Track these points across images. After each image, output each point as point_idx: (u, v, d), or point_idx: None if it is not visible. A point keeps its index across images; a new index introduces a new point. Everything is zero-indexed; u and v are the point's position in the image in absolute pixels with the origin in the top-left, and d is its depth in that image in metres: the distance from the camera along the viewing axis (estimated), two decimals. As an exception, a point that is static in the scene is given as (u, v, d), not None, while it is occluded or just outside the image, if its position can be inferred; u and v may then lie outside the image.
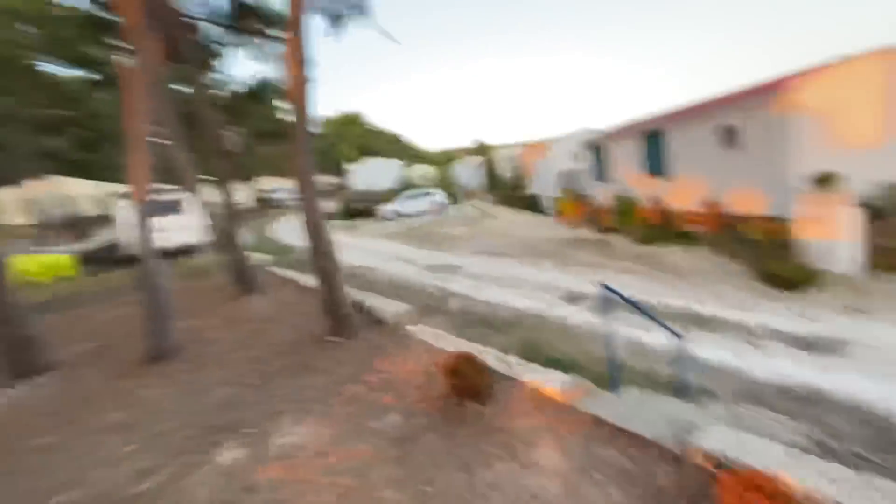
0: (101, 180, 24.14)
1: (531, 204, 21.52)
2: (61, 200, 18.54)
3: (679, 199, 12.37)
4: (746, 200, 10.12)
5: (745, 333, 5.66)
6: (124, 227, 12.58)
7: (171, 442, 3.25)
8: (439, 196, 25.56)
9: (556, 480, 2.38)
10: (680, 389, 3.89)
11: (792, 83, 8.92)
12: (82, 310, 8.27)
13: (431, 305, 7.71)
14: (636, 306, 3.51)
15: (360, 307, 5.53)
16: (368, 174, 34.36)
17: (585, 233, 14.42)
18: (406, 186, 29.66)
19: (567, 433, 2.77)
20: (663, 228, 11.78)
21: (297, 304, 6.92)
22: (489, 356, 3.75)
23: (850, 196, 7.40)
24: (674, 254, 10.27)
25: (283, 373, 4.24)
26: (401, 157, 41.36)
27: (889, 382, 4.12)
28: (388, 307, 5.37)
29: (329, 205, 25.87)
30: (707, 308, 6.77)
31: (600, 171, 16.64)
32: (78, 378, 4.81)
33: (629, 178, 14.71)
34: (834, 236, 7.35)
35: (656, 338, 5.64)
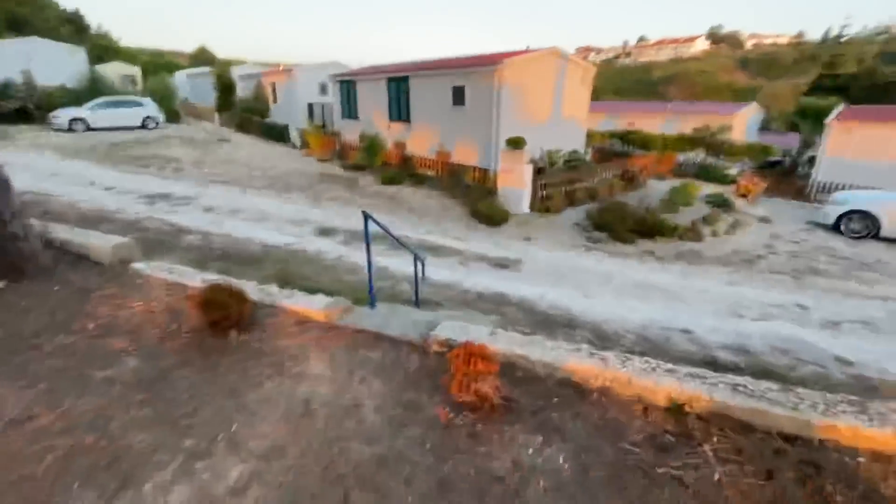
0: None
1: (274, 132, 19.85)
2: None
3: (417, 145, 13.93)
4: (467, 152, 12.35)
5: (460, 257, 7.21)
6: None
7: None
8: (151, 108, 20.35)
9: (326, 384, 2.64)
10: (418, 301, 4.75)
11: (501, 59, 11.13)
12: None
13: (155, 241, 6.47)
14: (389, 233, 4.00)
15: (47, 240, 4.15)
16: (26, 60, 23.78)
17: (335, 168, 14.55)
18: (95, 88, 22.13)
19: (332, 345, 3.04)
20: (403, 170, 13.13)
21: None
22: (247, 286, 3.58)
23: (527, 156, 10.11)
24: (411, 194, 11.70)
25: (-88, 336, 2.88)
26: (82, 45, 29.98)
27: (538, 286, 6.16)
28: (98, 240, 4.24)
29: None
30: (435, 238, 8.19)
31: (349, 108, 16.78)
32: None
33: (375, 119, 15.45)
34: (518, 186, 9.98)
35: (396, 263, 6.53)
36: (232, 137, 20.12)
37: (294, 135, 18.61)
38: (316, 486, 1.94)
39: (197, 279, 3.78)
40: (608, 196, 11.23)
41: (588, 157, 14.15)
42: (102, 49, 41.41)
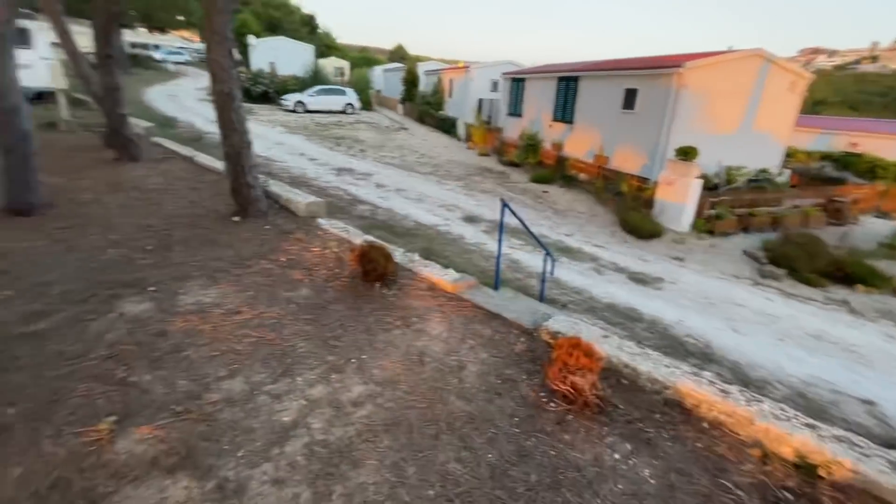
0: None
1: (445, 125, 21.51)
2: None
3: (575, 146, 13.60)
4: (627, 158, 11.61)
5: (596, 264, 6.97)
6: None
7: (58, 292, 3.17)
8: (352, 96, 24.01)
9: (440, 343, 3.01)
10: (543, 297, 4.85)
11: (682, 62, 10.11)
12: None
13: (336, 206, 7.81)
14: (524, 225, 4.20)
15: (265, 191, 5.47)
16: (274, 55, 30.29)
17: (491, 163, 15.20)
18: (316, 78, 27.00)
19: (452, 314, 3.41)
20: (556, 171, 13.01)
21: (191, 179, 6.49)
22: (396, 251, 4.20)
23: (698, 169, 9.06)
24: (560, 194, 11.57)
25: (184, 243, 4.20)
26: (312, 44, 36.87)
27: (679, 309, 5.62)
28: (298, 197, 5.41)
29: (222, 80, 22.67)
30: (573, 242, 8.03)
31: (515, 105, 17.20)
32: None
33: (538, 118, 15.54)
34: (680, 200, 9.05)
35: (530, 259, 6.66)
36: (409, 126, 22.51)
37: (461, 128, 19.90)
38: (415, 419, 2.30)
39: (360, 238, 4.56)
40: (799, 227, 9.37)
41: (783, 179, 11.90)
42: (325, 46, 49.99)
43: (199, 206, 5.32)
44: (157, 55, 37.07)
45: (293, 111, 21.89)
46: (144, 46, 37.74)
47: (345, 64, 39.26)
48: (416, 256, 4.33)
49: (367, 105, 26.85)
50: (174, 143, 8.91)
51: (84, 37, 8.78)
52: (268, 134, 15.26)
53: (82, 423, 2.06)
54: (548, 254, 4.81)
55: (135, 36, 39.09)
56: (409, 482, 1.93)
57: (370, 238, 4.61)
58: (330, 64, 35.60)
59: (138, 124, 9.40)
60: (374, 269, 3.57)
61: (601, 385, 2.54)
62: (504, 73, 18.10)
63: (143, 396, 2.26)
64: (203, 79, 29.72)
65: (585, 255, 7.39)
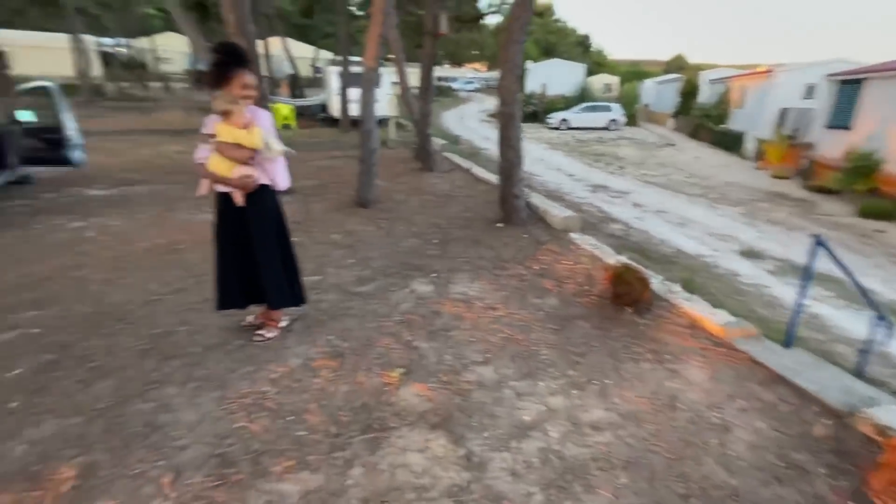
0: (314, 45, 27.36)
1: (726, 140, 18.32)
2: (285, 59, 21.78)
3: (952, 172, 9.36)
4: None
5: (979, 349, 4.60)
6: (333, 91, 14.55)
7: (377, 265, 4.26)
8: (617, 112, 23.28)
9: (698, 392, 2.60)
10: (862, 372, 3.55)
11: None
12: (300, 154, 10.26)
13: (587, 222, 7.73)
14: (851, 276, 3.16)
15: (528, 204, 5.89)
16: (547, 77, 32.32)
17: (790, 187, 12.08)
18: (583, 96, 27.38)
19: (718, 362, 2.89)
20: (906, 204, 9.27)
21: (468, 188, 7.60)
22: (653, 278, 3.85)
23: None
24: (908, 237, 8.19)
25: (458, 241, 4.97)
26: (584, 62, 37.52)
27: None
28: (555, 210, 5.62)
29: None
30: (932, 308, 5.54)
31: (841, 115, 13.12)
32: (307, 204, 6.29)
33: (880, 130, 11.39)
34: None
35: (839, 317, 4.98)
36: (678, 142, 20.20)
37: (750, 144, 16.54)
38: (659, 468, 2.07)
39: (612, 258, 4.39)
40: None
41: None
42: (595, 64, 50.09)
43: (472, 210, 6.19)
44: (454, 85, 45.18)
45: (557, 128, 22.84)
46: (445, 79, 46.44)
47: (613, 80, 38.36)
48: (678, 287, 3.86)
49: (632, 120, 25.50)
50: (458, 157, 10.64)
51: (412, 75, 11.46)
52: (531, 150, 16.40)
53: (381, 367, 2.71)
54: (882, 317, 3.48)
55: (439, 70, 48.64)
56: (646, 533, 1.75)
57: (624, 259, 4.38)
58: (598, 81, 35.47)
59: (436, 142, 11.64)
60: (627, 293, 3.37)
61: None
62: (830, 75, 14.05)
63: (421, 360, 2.80)
64: (484, 103, 34.41)
65: (952, 330, 4.98)
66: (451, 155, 10.93)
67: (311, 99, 15.19)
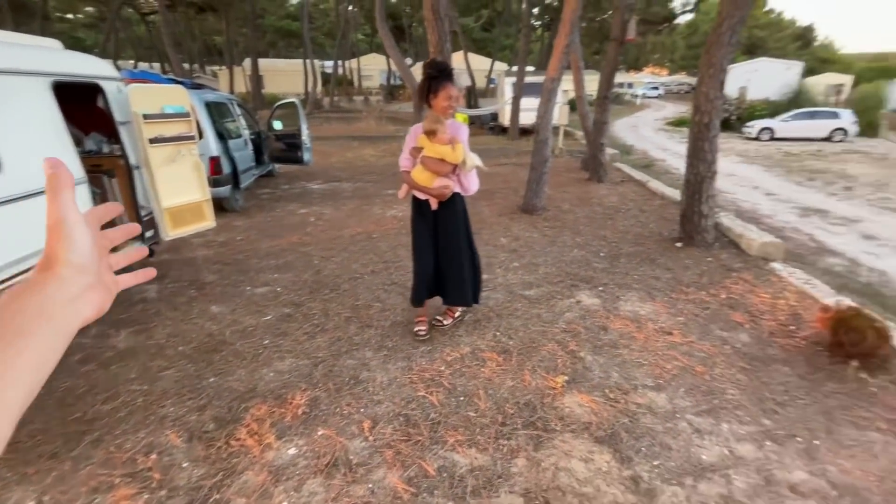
0: (490, 57, 28.76)
1: None
2: (465, 72, 23.45)
3: None
4: None
5: None
6: (506, 101, 15.12)
7: (542, 273, 4.32)
8: (846, 119, 18.67)
9: (962, 489, 1.99)
10: None
11: None
12: (472, 160, 10.96)
13: (793, 252, 6.45)
14: None
15: (716, 224, 5.23)
16: (748, 78, 27.79)
17: None
18: (797, 100, 22.72)
19: None
20: None
21: (640, 201, 7.09)
22: (894, 329, 3.05)
23: None
24: None
25: (628, 257, 4.71)
26: (803, 59, 30.97)
27: None
28: (752, 234, 4.86)
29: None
30: None
31: None
32: (475, 207, 6.70)
33: None
34: None
35: None
36: (946, 159, 15.17)
37: None
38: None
39: (831, 298, 3.61)
40: None
41: None
42: (820, 60, 40.93)
43: (645, 227, 5.77)
44: (638, 91, 42.45)
45: (756, 139, 19.45)
46: (620, 85, 43.74)
47: (845, 79, 30.75)
48: (934, 347, 2.97)
49: (870, 130, 20.09)
50: (630, 168, 9.97)
51: (587, 83, 11.16)
52: (720, 164, 14.32)
53: (546, 371, 2.78)
54: None
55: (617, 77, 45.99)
56: None
57: (848, 300, 3.56)
58: (822, 82, 28.88)
59: (607, 151, 11.13)
60: (854, 343, 2.75)
61: None
62: None
63: (585, 372, 2.78)
64: (663, 110, 31.32)
65: None
66: (622, 166, 10.32)
67: (484, 109, 16.01)
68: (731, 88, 27.75)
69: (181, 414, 2.41)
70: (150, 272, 0.50)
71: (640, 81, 50.69)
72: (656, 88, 45.09)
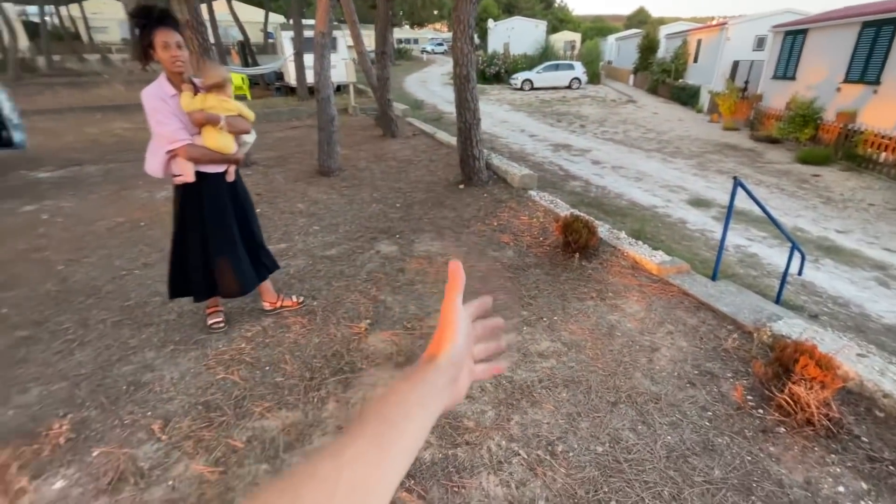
0: (263, 9, 25.80)
1: (683, 95, 18.81)
2: (234, 24, 20.55)
3: (879, 115, 10.08)
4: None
5: (882, 274, 5.24)
6: (287, 58, 13.99)
7: (343, 231, 4.40)
8: (579, 70, 23.33)
9: (634, 322, 2.95)
10: (779, 298, 4.04)
11: None
12: (258, 126, 10.01)
13: (548, 180, 8.01)
14: (761, 205, 3.55)
15: (487, 164, 6.08)
16: (508, 35, 31.74)
17: (739, 138, 12.68)
18: (546, 55, 27.18)
19: (654, 296, 3.25)
20: (836, 148, 9.96)
21: (430, 153, 7.69)
22: (601, 227, 4.17)
23: None
24: (840, 180, 8.89)
25: (421, 203, 5.15)
26: (547, 18, 36.92)
27: None
28: (513, 169, 5.84)
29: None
30: (848, 240, 6.18)
31: (786, 65, 13.70)
32: (268, 175, 6.28)
33: (820, 79, 12.02)
34: None
35: (774, 256, 5.50)
36: (639, 99, 20.58)
37: (703, 98, 17.07)
38: (595, 383, 2.41)
39: (567, 212, 4.69)
40: None
41: None
42: (558, 20, 49.32)
43: (434, 174, 6.34)
44: (427, 47, 44.06)
45: (520, 89, 22.75)
46: (407, 41, 44.91)
47: (576, 37, 38.06)
48: (623, 234, 4.20)
49: (594, 78, 25.65)
50: (420, 122, 10.61)
51: (368, 38, 11.17)
52: (494, 112, 16.38)
53: (350, 320, 2.94)
54: (795, 247, 3.94)
55: (399, 33, 46.76)
56: (580, 433, 2.09)
57: (576, 211, 4.68)
58: (561, 39, 35.12)
59: (397, 107, 11.52)
60: (575, 241, 3.67)
61: (837, 407, 2.10)
62: (775, 26, 14.52)
63: (386, 311, 3.04)
64: (447, 65, 33.66)
65: (865, 259, 5.61)
66: (413, 120, 10.89)
67: (265, 67, 14.55)
68: (497, 44, 31.35)
69: None
70: (502, 366, 0.52)
71: (425, 38, 53.06)
72: (441, 45, 47.88)
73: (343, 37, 14.55)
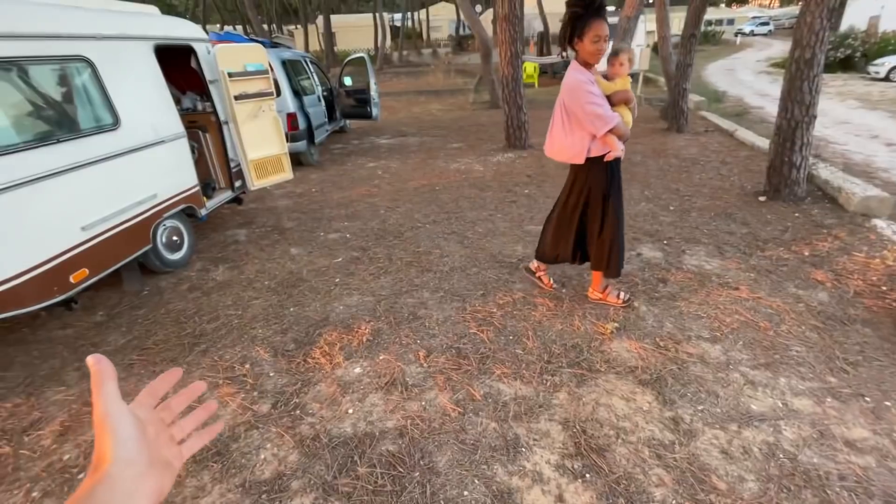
0: None
1: None
2: (537, 16, 21.97)
3: None
4: None
5: None
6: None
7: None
8: None
9: None
10: None
11: None
12: (538, 112, 10.52)
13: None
14: None
15: (810, 176, 4.70)
16: (882, 6, 23.10)
17: None
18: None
19: None
20: None
21: (724, 153, 6.49)
22: None
23: None
24: None
25: (701, 211, 4.43)
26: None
27: None
28: (852, 186, 4.32)
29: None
30: None
31: None
32: (541, 160, 6.57)
33: None
34: None
35: None
36: None
37: None
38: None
39: (942, 260, 3.19)
40: None
41: None
42: None
43: (725, 179, 5.34)
44: (745, 27, 37.44)
45: (885, 79, 16.44)
46: (719, 22, 38.49)
47: None
48: None
49: None
50: (718, 117, 9.04)
51: (674, 21, 10.04)
52: (831, 109, 12.42)
53: (596, 318, 2.83)
54: None
55: (712, 13, 40.33)
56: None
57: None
58: None
59: (691, 98, 10.12)
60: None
61: None
62: None
63: (638, 321, 2.79)
64: (768, 49, 27.29)
65: None
66: (708, 114, 9.38)
67: (554, 56, 15.08)
68: (858, 19, 23.55)
69: (268, 335, 2.82)
70: (216, 428, 0.50)
71: (745, 17, 44.07)
72: (766, 24, 38.93)
73: (643, 21, 13.56)
